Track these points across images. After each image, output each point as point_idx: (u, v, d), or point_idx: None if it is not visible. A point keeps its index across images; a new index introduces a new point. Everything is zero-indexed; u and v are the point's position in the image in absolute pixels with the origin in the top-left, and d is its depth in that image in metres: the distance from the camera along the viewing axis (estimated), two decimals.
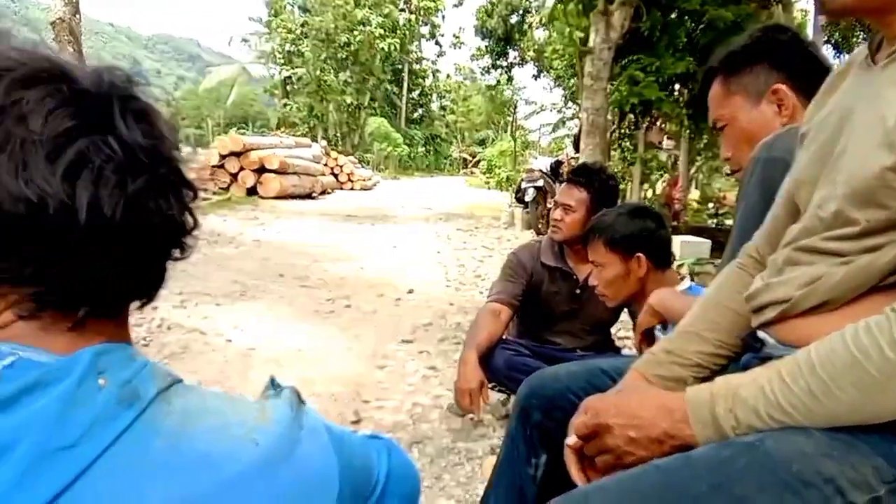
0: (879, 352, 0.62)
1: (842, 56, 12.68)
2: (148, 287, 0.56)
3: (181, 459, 0.47)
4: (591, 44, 8.53)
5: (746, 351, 0.93)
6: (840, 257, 0.75)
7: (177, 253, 0.56)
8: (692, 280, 6.45)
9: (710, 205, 10.36)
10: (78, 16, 8.34)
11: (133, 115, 0.50)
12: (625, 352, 2.94)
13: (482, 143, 39.41)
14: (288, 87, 29.70)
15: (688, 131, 10.83)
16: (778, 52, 1.22)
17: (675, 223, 8.65)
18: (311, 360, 3.15)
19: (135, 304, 0.56)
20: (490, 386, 2.20)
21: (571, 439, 0.88)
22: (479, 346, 2.15)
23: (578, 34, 10.03)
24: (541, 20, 11.76)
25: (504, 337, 2.31)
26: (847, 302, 0.74)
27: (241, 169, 11.69)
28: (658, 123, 11.51)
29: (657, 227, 1.79)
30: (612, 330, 2.64)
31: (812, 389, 0.65)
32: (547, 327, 2.43)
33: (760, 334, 0.87)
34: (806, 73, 1.19)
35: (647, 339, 1.51)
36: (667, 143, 13.38)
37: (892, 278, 0.72)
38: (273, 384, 0.60)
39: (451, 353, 3.30)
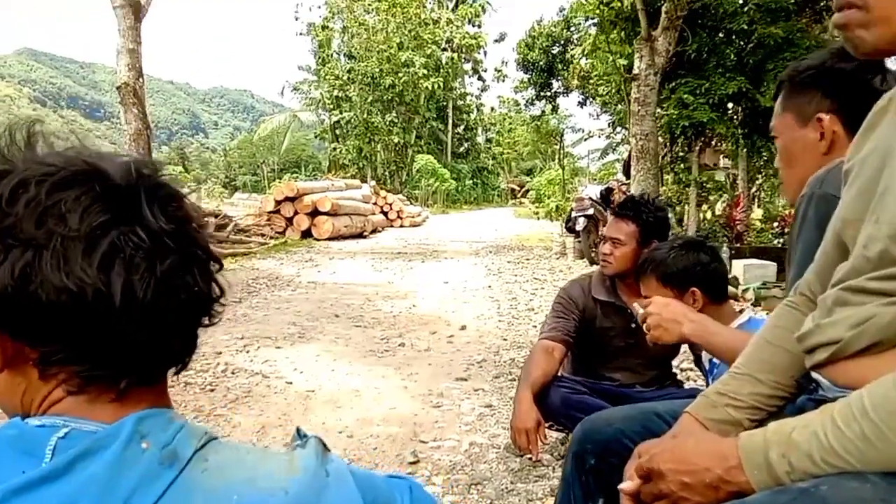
0: None
1: None
2: (181, 355, 0.60)
3: None
4: (635, 70, 8.50)
5: (802, 392, 0.92)
6: (889, 297, 0.74)
7: (206, 321, 0.60)
8: (758, 305, 6.08)
9: (775, 224, 9.95)
10: (141, 79, 8.92)
11: (159, 203, 0.55)
12: (688, 385, 2.86)
13: (530, 172, 39.41)
14: (337, 131, 30.66)
15: (745, 150, 10.55)
16: (833, 81, 1.20)
17: (738, 245, 8.38)
18: (368, 400, 3.18)
19: (171, 371, 0.61)
20: (547, 425, 2.17)
21: (626, 484, 0.88)
22: (534, 384, 2.12)
23: (622, 61, 10.04)
24: (583, 51, 11.80)
25: (560, 374, 2.28)
26: None
27: (296, 213, 12.16)
28: (713, 144, 11.27)
29: (711, 260, 1.75)
30: (675, 362, 2.57)
31: (866, 434, 0.64)
32: (602, 364, 2.38)
33: (814, 376, 0.86)
34: (857, 107, 1.16)
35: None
36: (724, 161, 13.06)
37: None
38: (299, 434, 0.63)
39: (506, 391, 3.27)
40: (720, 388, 0.99)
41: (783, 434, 0.71)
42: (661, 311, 1.51)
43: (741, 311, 1.79)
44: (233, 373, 3.55)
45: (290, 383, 3.41)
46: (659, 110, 8.77)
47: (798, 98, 1.25)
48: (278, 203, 12.19)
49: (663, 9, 8.38)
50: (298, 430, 0.64)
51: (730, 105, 9.34)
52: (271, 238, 11.28)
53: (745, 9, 8.56)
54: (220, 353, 3.95)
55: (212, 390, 3.25)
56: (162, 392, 0.59)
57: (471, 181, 38.72)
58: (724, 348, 1.39)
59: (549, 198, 21.45)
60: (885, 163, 0.77)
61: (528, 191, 30.30)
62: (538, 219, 20.53)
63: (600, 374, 2.37)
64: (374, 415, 2.96)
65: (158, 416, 0.55)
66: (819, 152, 1.21)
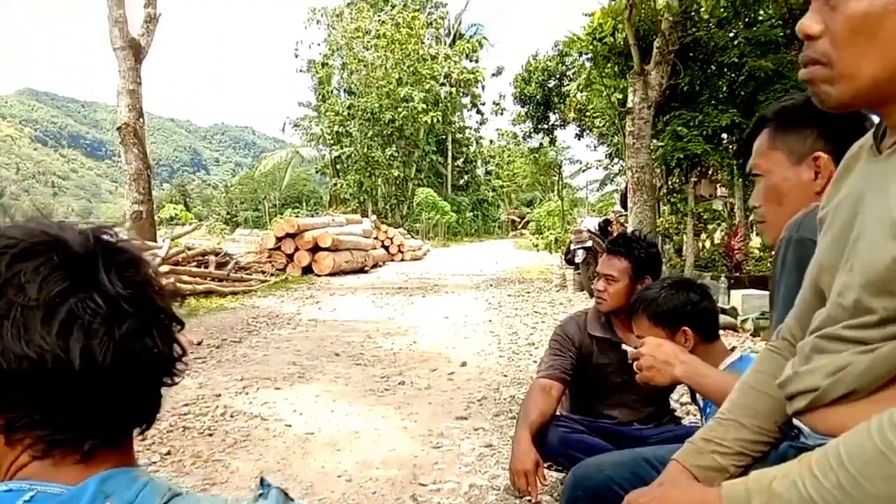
0: None
1: None
2: (145, 415, 0.62)
3: None
4: (629, 104, 8.64)
5: (785, 438, 0.93)
6: (863, 345, 0.75)
7: (168, 380, 0.62)
8: (757, 335, 6.04)
9: (773, 252, 9.94)
10: (142, 119, 9.10)
11: (116, 269, 0.57)
12: (685, 421, 2.84)
13: (530, 203, 39.68)
14: (338, 166, 31.06)
15: (740, 180, 10.66)
16: (830, 121, 1.16)
17: (737, 274, 8.39)
18: (367, 441, 3.16)
19: (136, 430, 0.62)
20: (546, 465, 2.15)
21: None
22: (532, 424, 2.11)
23: (617, 95, 10.22)
24: (578, 85, 12.02)
25: (558, 413, 2.27)
26: (875, 390, 0.74)
27: (297, 249, 12.23)
28: (709, 175, 11.38)
29: (701, 299, 1.76)
30: (674, 396, 2.55)
31: (842, 483, 0.65)
32: (600, 400, 2.37)
33: (795, 422, 0.87)
34: None
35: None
36: (721, 191, 13.15)
37: None
38: (262, 484, 0.64)
39: (506, 429, 3.25)
40: (706, 434, 1.00)
41: (764, 483, 0.72)
42: (655, 353, 1.52)
43: (733, 349, 1.80)
44: (232, 416, 3.54)
45: (290, 426, 3.39)
46: (654, 142, 8.88)
47: (790, 136, 1.23)
48: (279, 240, 12.28)
49: (655, 44, 8.57)
50: (262, 479, 0.65)
51: (724, 136, 9.47)
52: (272, 275, 11.32)
53: (736, 42, 8.74)
54: (220, 395, 3.94)
55: (210, 434, 3.23)
56: (127, 451, 0.61)
57: (471, 213, 38.96)
58: (713, 390, 1.40)
59: (548, 229, 21.53)
60: (857, 210, 0.79)
61: (528, 222, 30.43)
62: (538, 251, 20.58)
63: (598, 411, 2.36)
64: (373, 457, 2.94)
65: (122, 475, 0.56)
66: (812, 191, 1.21)
